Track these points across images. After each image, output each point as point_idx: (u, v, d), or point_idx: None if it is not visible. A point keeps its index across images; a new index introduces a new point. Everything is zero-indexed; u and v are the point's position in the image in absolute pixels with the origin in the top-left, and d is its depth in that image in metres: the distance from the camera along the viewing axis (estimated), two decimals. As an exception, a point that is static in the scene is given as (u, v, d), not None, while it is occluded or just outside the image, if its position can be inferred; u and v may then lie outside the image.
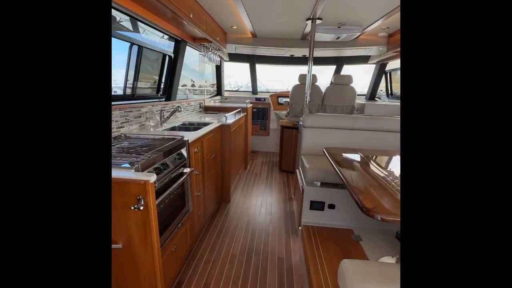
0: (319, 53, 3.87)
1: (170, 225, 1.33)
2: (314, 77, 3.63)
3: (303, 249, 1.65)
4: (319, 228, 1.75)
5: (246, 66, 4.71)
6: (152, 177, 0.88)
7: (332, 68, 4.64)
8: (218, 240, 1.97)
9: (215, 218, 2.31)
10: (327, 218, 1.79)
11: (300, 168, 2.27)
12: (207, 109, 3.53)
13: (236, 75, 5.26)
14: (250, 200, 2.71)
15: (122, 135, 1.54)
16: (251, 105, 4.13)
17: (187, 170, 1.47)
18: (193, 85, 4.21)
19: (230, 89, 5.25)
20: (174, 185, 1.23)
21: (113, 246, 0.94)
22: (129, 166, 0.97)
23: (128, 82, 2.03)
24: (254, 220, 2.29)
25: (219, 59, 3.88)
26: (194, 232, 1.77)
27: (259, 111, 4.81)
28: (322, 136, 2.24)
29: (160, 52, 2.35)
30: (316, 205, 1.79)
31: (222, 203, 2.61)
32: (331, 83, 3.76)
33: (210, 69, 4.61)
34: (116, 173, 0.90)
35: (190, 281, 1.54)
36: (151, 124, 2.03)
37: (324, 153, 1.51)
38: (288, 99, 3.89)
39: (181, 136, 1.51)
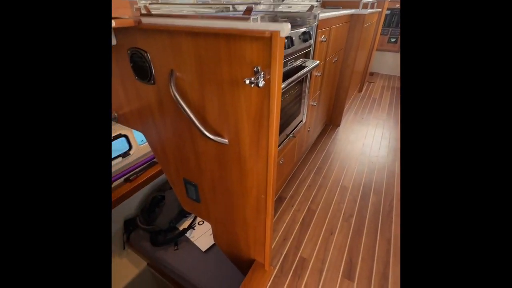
0: None
1: (282, 133, 1.01)
2: None
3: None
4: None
5: None
6: (285, 26, 0.46)
7: None
8: (325, 166, 1.63)
9: (321, 140, 1.93)
10: None
11: None
12: (325, 4, 2.68)
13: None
14: (366, 129, 2.12)
15: (230, 6, 1.16)
16: None
17: (311, 62, 1.01)
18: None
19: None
20: (295, 76, 0.82)
21: (217, 139, 0.68)
22: (242, 16, 0.58)
23: None
24: (371, 153, 1.77)
25: None
26: (301, 149, 1.46)
27: (394, 14, 3.43)
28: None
29: None
30: None
31: (330, 126, 2.15)
32: None
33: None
34: (222, 23, 0.53)
35: (292, 200, 1.34)
36: (262, 7, 1.56)
37: None
38: None
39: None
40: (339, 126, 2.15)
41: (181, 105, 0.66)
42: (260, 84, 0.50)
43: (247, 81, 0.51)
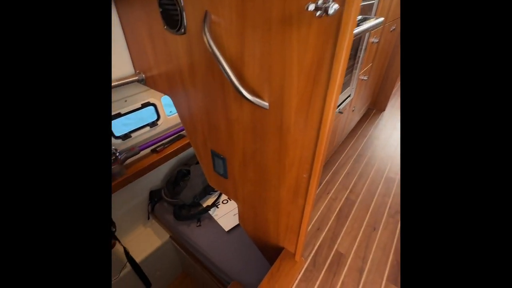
0: None
1: (329, 105, 0.85)
2: None
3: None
4: None
5: None
6: None
7: None
8: (367, 153, 1.43)
9: (362, 125, 1.71)
10: None
11: None
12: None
13: None
14: (417, 116, 1.84)
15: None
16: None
17: (373, 20, 0.81)
18: None
19: None
20: (367, 26, 0.64)
21: (256, 100, 0.55)
22: None
23: None
24: (423, 143, 1.52)
25: None
26: (344, 130, 1.28)
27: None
28: None
29: None
30: None
31: (374, 110, 1.90)
32: None
33: None
34: None
35: (328, 187, 1.19)
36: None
37: None
38: None
39: None
40: (383, 111, 1.89)
41: (215, 55, 0.54)
42: (331, 11, 0.35)
43: (311, 7, 0.36)
